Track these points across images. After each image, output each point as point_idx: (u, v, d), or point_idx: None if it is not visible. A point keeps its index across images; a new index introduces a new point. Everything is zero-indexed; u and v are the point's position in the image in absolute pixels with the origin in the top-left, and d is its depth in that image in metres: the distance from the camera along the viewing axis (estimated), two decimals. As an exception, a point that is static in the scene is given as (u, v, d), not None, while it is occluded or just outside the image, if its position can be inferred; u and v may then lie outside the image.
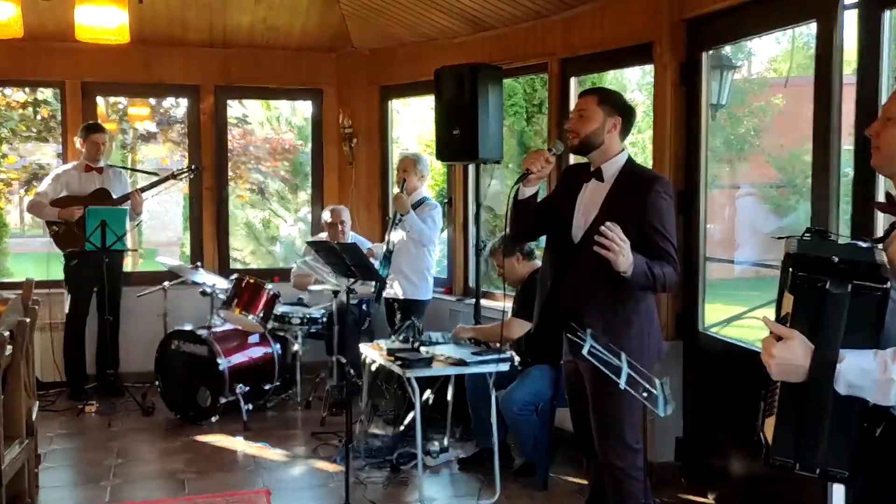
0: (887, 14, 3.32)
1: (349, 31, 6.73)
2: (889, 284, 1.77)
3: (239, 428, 5.48)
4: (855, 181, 3.42)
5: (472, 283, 6.15)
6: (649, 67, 4.73)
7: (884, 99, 3.27)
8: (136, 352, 6.36)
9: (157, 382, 5.81)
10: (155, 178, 6.37)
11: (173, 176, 6.35)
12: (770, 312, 2.14)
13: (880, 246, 2.00)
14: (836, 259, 1.80)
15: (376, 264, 5.17)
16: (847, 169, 3.55)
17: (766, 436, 1.93)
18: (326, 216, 6.25)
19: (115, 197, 6.14)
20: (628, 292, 3.28)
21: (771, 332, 1.84)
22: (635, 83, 9.95)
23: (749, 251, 7.72)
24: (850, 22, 3.49)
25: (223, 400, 5.51)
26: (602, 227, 3.00)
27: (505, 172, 8.42)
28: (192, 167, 6.49)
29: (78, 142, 6.21)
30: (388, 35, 6.62)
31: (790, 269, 1.81)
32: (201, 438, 5.36)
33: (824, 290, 1.75)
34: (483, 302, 5.56)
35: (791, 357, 1.79)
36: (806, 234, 2.07)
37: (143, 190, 6.28)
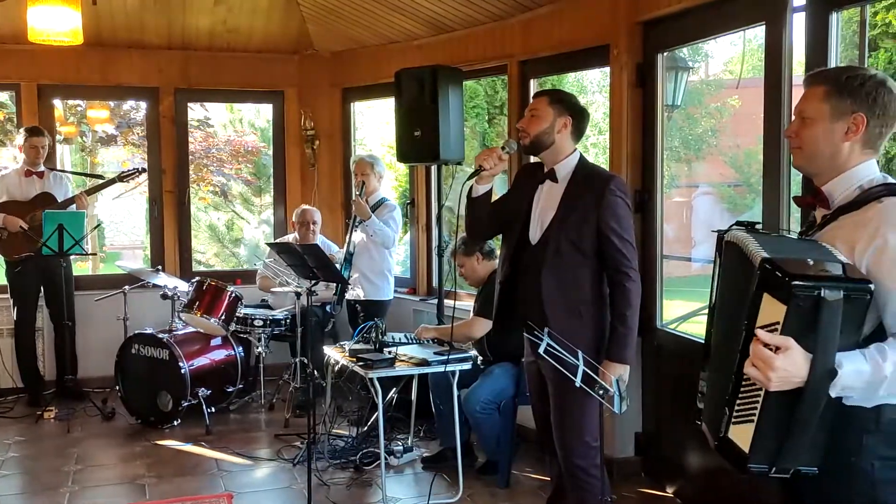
0: (834, 16, 3.40)
1: (310, 33, 6.73)
2: (872, 286, 1.78)
3: (201, 431, 5.45)
4: (804, 179, 3.49)
5: (435, 283, 6.18)
6: (609, 69, 4.78)
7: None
8: (96, 356, 6.30)
9: (117, 387, 5.75)
10: (101, 182, 6.30)
11: (120, 179, 6.28)
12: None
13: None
14: (811, 261, 1.80)
15: (337, 268, 5.19)
16: (799, 167, 3.61)
17: (738, 443, 1.90)
18: (297, 216, 6.24)
19: (59, 201, 6.07)
20: (590, 294, 3.33)
21: (760, 342, 1.80)
22: (596, 84, 10.05)
23: (706, 249, 7.84)
24: (798, 24, 3.57)
25: (185, 403, 5.48)
26: None
27: (467, 173, 8.45)
28: (138, 169, 6.42)
29: (18, 146, 6.14)
30: (349, 37, 6.63)
31: (783, 279, 1.75)
32: (162, 443, 5.32)
33: (820, 298, 1.72)
34: (446, 302, 5.59)
35: (794, 369, 1.77)
36: (735, 226, 2.13)
37: (89, 192, 6.22)
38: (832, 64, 3.37)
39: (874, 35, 4.47)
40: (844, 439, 1.93)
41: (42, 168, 6.16)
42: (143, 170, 6.52)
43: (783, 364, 1.76)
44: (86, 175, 7.09)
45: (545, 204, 3.41)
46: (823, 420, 1.83)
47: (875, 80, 2.05)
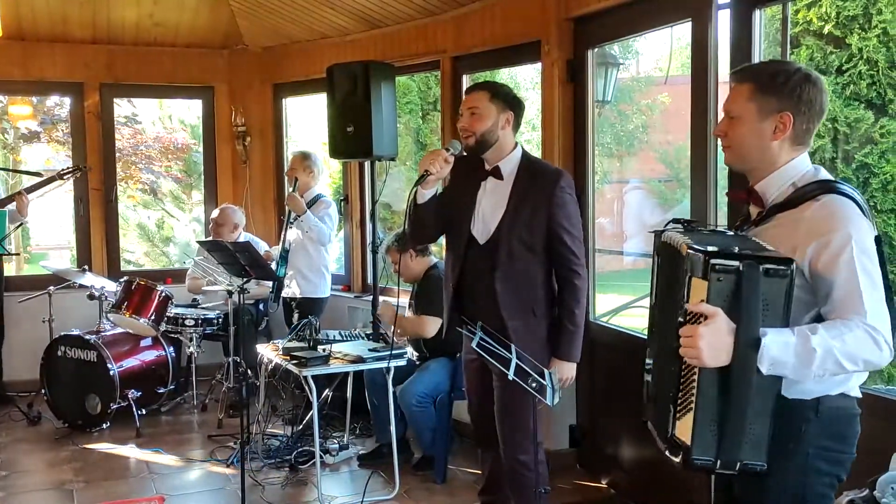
0: (757, 13, 3.48)
1: (239, 28, 6.62)
2: (794, 266, 1.82)
3: (131, 434, 5.33)
4: (730, 175, 3.57)
5: (370, 280, 6.15)
6: (540, 65, 4.81)
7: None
8: (21, 359, 6.11)
9: (43, 390, 5.58)
10: (40, 179, 6.12)
11: (59, 176, 6.09)
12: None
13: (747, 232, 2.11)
14: (737, 250, 1.85)
15: (273, 266, 5.11)
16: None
17: (682, 438, 1.92)
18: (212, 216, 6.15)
19: None
20: (542, 292, 3.34)
21: (687, 322, 1.86)
22: (529, 81, 10.11)
23: (637, 243, 7.99)
24: (723, 21, 3.65)
25: (114, 406, 5.35)
26: None
27: (402, 170, 8.45)
28: (80, 167, 6.24)
29: None
30: (280, 32, 6.54)
31: (702, 258, 1.83)
32: (91, 446, 5.19)
33: (739, 271, 1.80)
34: (381, 299, 5.55)
35: (718, 335, 1.80)
36: (671, 224, 2.14)
37: (30, 191, 6.03)
38: (756, 61, 3.45)
39: (796, 32, 4.59)
40: (786, 426, 1.95)
41: None
42: (85, 167, 6.32)
43: (708, 333, 1.80)
44: (24, 173, 6.87)
45: (491, 202, 3.34)
46: (764, 411, 1.86)
47: (799, 75, 2.05)
